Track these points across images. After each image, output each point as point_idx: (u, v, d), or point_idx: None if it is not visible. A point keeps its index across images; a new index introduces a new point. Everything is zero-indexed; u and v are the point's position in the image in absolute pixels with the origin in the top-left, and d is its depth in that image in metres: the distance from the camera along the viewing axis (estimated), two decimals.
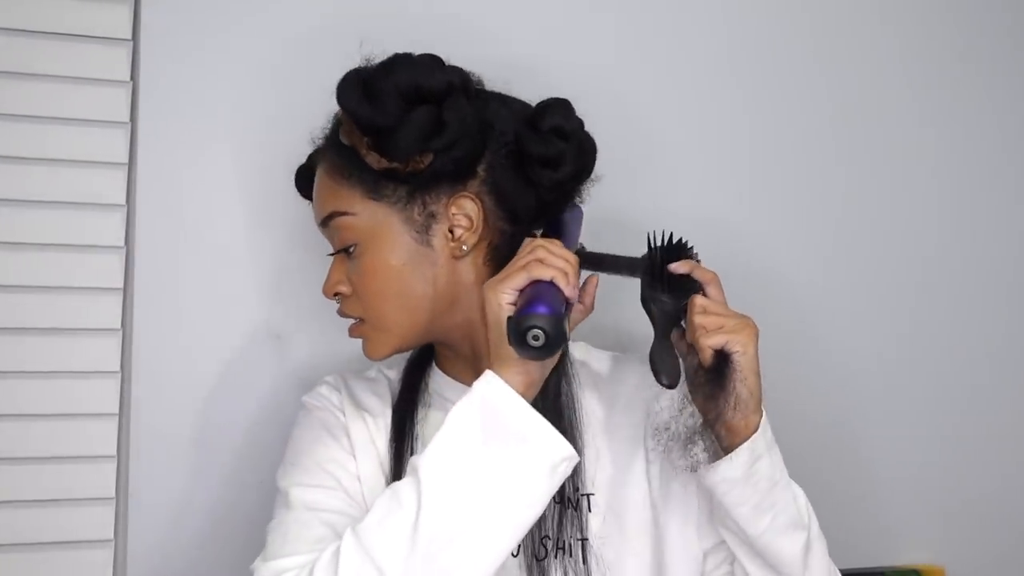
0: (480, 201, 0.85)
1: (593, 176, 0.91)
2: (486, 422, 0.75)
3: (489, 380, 0.76)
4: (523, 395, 0.76)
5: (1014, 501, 1.37)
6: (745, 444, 0.80)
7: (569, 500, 0.85)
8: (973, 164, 1.36)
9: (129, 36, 1.07)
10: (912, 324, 1.33)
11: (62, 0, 1.04)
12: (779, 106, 1.29)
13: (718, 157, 1.26)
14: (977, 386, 1.35)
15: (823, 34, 1.31)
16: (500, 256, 0.86)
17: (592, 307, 0.85)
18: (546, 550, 0.83)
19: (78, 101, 1.05)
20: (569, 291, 0.77)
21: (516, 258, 0.80)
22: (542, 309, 0.73)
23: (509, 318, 0.74)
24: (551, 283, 0.76)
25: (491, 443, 0.74)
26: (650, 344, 0.85)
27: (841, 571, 0.94)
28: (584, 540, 0.84)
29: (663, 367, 0.82)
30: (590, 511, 0.86)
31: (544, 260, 0.77)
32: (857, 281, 1.31)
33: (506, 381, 0.76)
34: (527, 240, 0.82)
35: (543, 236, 0.89)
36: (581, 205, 0.95)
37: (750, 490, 0.81)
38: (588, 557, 0.84)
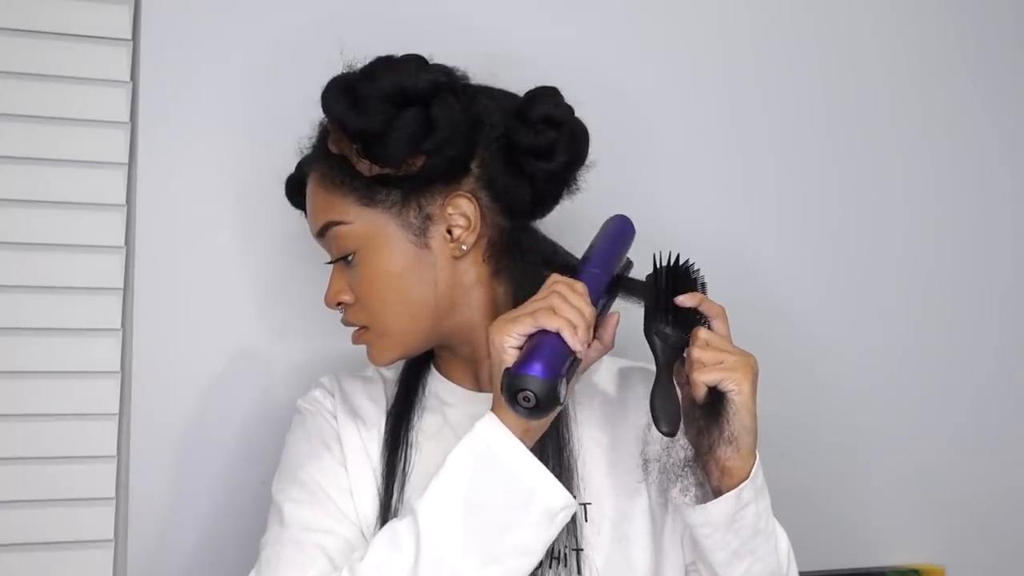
0: (476, 199, 0.84)
1: (587, 163, 0.90)
2: (487, 469, 0.75)
3: (491, 424, 0.75)
4: (524, 439, 0.75)
5: (1014, 501, 1.37)
6: (732, 492, 0.79)
7: None
8: (976, 168, 1.36)
9: (129, 36, 1.07)
10: (913, 326, 1.33)
11: (62, 0, 1.04)
12: (779, 102, 1.29)
13: (715, 155, 1.26)
14: (977, 387, 1.35)
15: (827, 26, 1.31)
16: (499, 252, 0.85)
17: (612, 345, 0.82)
18: (540, 559, 0.83)
19: (78, 101, 1.05)
20: (577, 345, 0.74)
21: (535, 297, 0.77)
22: (536, 370, 0.71)
23: (506, 370, 0.73)
24: (557, 335, 0.74)
25: (492, 491, 0.74)
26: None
27: (841, 571, 0.94)
28: (579, 550, 0.83)
29: (663, 413, 0.79)
30: (586, 520, 0.85)
31: (557, 309, 0.75)
32: (858, 283, 1.31)
33: (507, 426, 0.75)
34: (551, 276, 0.79)
35: (588, 253, 0.87)
36: (569, 195, 0.92)
37: (731, 536, 0.80)
38: (582, 567, 0.83)
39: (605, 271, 0.86)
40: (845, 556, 1.29)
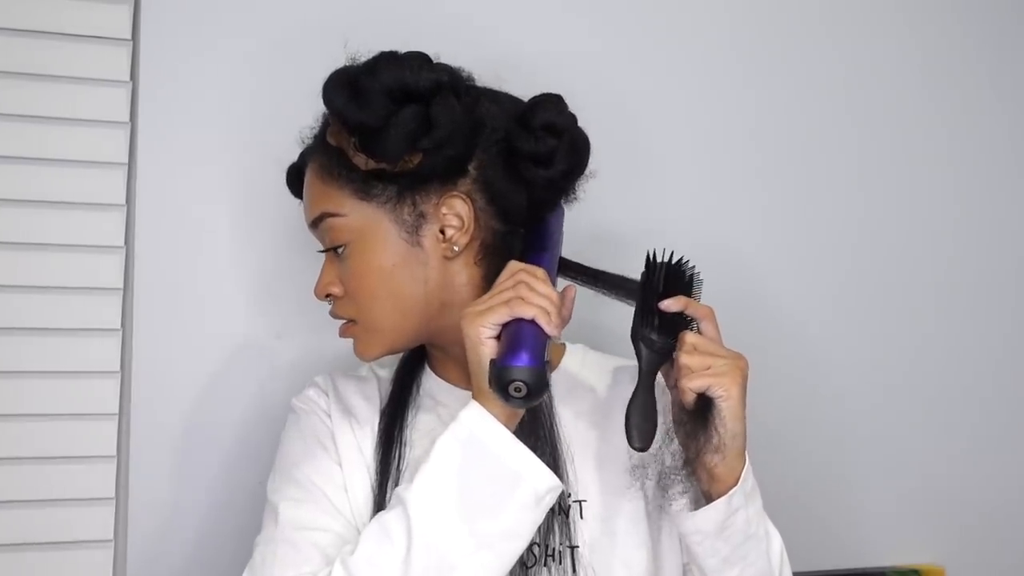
0: (471, 200, 0.84)
1: (587, 172, 0.90)
2: (473, 456, 0.75)
3: (474, 412, 0.76)
4: (507, 425, 0.76)
5: (1014, 501, 1.37)
6: (721, 499, 0.79)
7: (560, 507, 0.84)
8: (980, 174, 1.36)
9: (129, 36, 1.07)
10: (913, 327, 1.33)
11: (62, 0, 1.04)
12: (786, 106, 1.28)
13: (720, 162, 1.26)
14: (978, 388, 1.35)
15: (834, 24, 1.30)
16: (492, 255, 0.85)
17: (569, 319, 0.83)
18: (535, 557, 0.83)
19: (78, 101, 1.05)
20: (552, 330, 0.76)
21: (498, 286, 0.78)
22: (524, 360, 0.72)
23: (492, 362, 0.74)
24: (533, 322, 0.75)
25: (478, 478, 0.75)
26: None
27: (842, 571, 0.94)
28: (574, 548, 0.84)
29: (636, 429, 0.79)
30: (582, 518, 0.85)
31: (526, 298, 0.76)
32: (859, 285, 1.31)
33: (491, 413, 0.76)
34: (510, 264, 0.80)
35: (526, 239, 0.87)
36: (567, 203, 0.93)
37: (721, 543, 0.80)
38: (577, 565, 0.83)
39: (554, 253, 0.87)
40: (846, 556, 1.29)
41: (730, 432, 0.78)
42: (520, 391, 0.72)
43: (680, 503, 0.82)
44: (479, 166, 0.85)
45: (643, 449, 0.79)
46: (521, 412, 0.79)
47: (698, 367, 0.79)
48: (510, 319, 0.75)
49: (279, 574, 0.78)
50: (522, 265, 0.79)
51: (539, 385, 0.73)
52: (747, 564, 0.81)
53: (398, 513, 0.75)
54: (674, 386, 0.82)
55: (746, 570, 0.82)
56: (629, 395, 0.89)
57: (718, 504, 0.79)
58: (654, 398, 0.81)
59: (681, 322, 0.83)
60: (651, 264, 0.85)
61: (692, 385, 0.78)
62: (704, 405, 0.79)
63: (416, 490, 0.75)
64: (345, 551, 0.76)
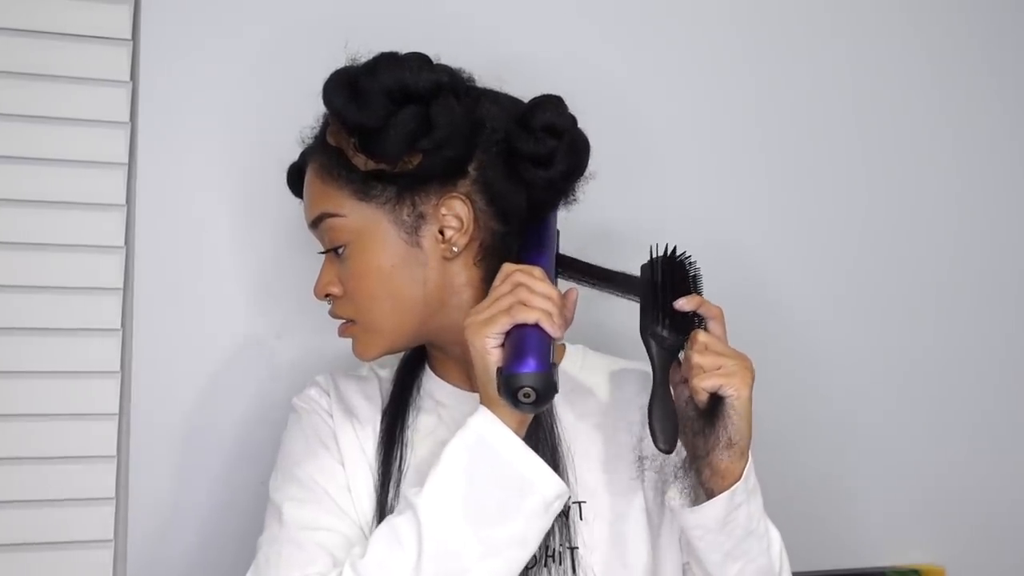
0: (471, 201, 0.84)
1: (586, 174, 0.90)
2: (483, 462, 0.75)
3: (484, 418, 0.76)
4: (516, 431, 0.76)
5: (1014, 501, 1.37)
6: (724, 494, 0.80)
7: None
8: (985, 174, 1.36)
9: (129, 36, 1.07)
10: (915, 327, 1.33)
11: (62, 0, 1.04)
12: (788, 107, 1.28)
13: (720, 161, 1.26)
14: (978, 388, 1.35)
15: (836, 24, 1.30)
16: (491, 256, 0.85)
17: (571, 320, 0.82)
18: (535, 558, 0.83)
19: (78, 101, 1.05)
20: (556, 332, 0.76)
21: (496, 291, 0.78)
22: (531, 365, 0.72)
23: (499, 370, 0.74)
24: (536, 325, 0.75)
25: (489, 484, 0.75)
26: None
27: (841, 571, 0.94)
28: (574, 549, 0.84)
29: (661, 431, 0.79)
30: (582, 519, 0.85)
31: (527, 302, 0.75)
32: (861, 284, 1.31)
33: (500, 419, 0.76)
34: (504, 267, 0.80)
35: (524, 239, 0.87)
36: (567, 205, 0.92)
37: (723, 538, 0.81)
38: (578, 566, 0.83)
39: (551, 250, 0.87)
40: (846, 556, 1.29)
41: (738, 430, 0.79)
42: (529, 397, 0.73)
43: (682, 498, 0.83)
44: (479, 167, 0.85)
45: (669, 451, 0.79)
46: (530, 417, 0.79)
47: (710, 366, 0.79)
48: (512, 326, 0.75)
49: (284, 575, 0.78)
50: (517, 266, 0.79)
51: (548, 389, 0.73)
52: (749, 560, 0.82)
53: (408, 518, 0.75)
54: (680, 382, 0.82)
55: (748, 566, 0.82)
56: (631, 397, 0.90)
57: (721, 499, 0.80)
58: (672, 398, 0.81)
59: (691, 320, 0.83)
60: (655, 259, 0.85)
61: (704, 385, 0.79)
62: (714, 403, 0.79)
63: (426, 495, 0.75)
64: (354, 554, 0.76)
